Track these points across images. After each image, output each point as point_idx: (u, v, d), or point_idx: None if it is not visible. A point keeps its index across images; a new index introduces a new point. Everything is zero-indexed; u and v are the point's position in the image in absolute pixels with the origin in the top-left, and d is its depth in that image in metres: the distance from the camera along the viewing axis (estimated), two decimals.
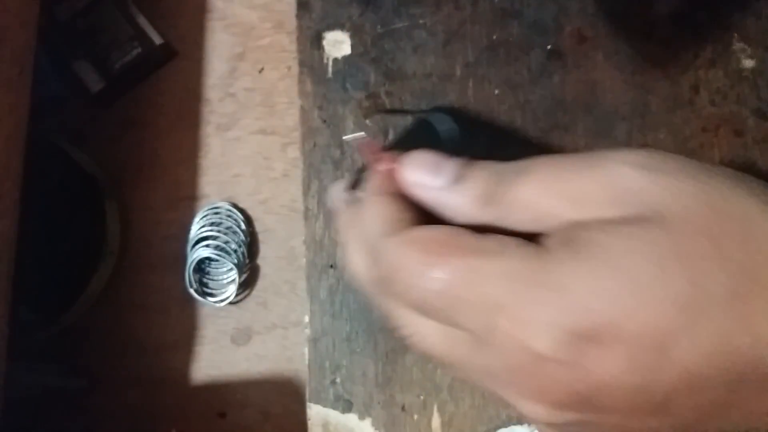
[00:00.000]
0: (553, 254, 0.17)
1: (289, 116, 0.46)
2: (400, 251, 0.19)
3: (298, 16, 0.40)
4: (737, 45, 0.36)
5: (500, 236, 0.19)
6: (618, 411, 0.17)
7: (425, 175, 0.21)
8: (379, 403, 0.37)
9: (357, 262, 0.22)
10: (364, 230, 0.21)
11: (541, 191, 0.19)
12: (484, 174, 0.20)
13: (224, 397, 0.45)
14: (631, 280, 0.16)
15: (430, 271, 0.18)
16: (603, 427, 0.18)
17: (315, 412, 0.37)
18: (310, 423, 0.38)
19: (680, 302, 0.16)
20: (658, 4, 0.37)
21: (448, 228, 0.19)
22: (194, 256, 0.44)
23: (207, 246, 0.44)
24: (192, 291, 0.44)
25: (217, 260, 0.44)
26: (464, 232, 0.19)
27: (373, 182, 0.22)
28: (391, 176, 0.22)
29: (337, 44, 0.40)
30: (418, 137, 0.32)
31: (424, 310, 0.19)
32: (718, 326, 0.16)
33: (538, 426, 0.20)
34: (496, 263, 0.18)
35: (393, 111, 0.34)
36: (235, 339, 0.45)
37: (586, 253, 0.17)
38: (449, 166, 0.21)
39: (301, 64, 0.40)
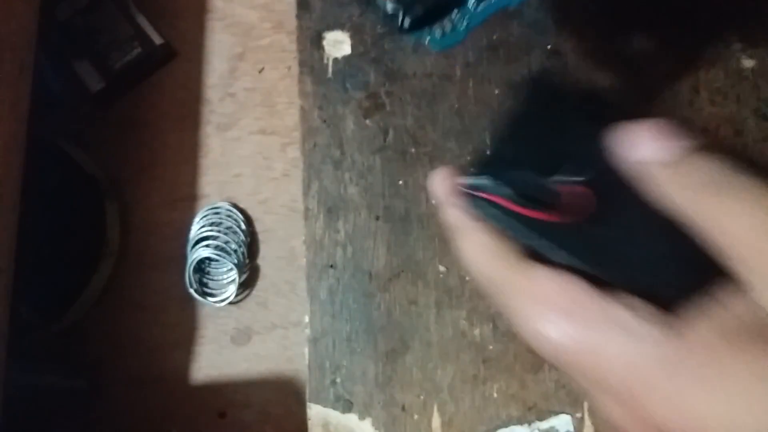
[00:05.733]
0: (706, 348, 0.15)
1: (289, 116, 0.46)
2: (519, 289, 0.18)
3: (298, 16, 0.40)
4: (737, 45, 0.36)
5: (635, 302, 0.17)
6: None
7: (652, 143, 0.18)
8: (379, 403, 0.37)
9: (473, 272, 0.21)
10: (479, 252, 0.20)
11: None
12: (716, 161, 0.17)
13: (224, 397, 0.45)
14: None
15: (551, 328, 0.17)
16: None
17: (315, 412, 0.37)
18: (310, 423, 0.38)
19: None
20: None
21: (574, 280, 0.18)
22: (194, 256, 0.44)
23: (207, 246, 0.44)
24: (192, 291, 0.44)
25: (217, 260, 0.44)
26: (590, 290, 0.17)
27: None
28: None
29: (337, 44, 0.40)
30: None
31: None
32: None
33: None
34: (622, 347, 0.16)
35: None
36: (235, 339, 0.45)
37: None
38: (685, 137, 0.18)
39: (301, 64, 0.40)
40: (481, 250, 0.20)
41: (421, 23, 0.26)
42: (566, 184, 0.21)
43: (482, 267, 0.20)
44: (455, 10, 0.30)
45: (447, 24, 0.29)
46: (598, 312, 0.17)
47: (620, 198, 0.20)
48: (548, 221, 0.20)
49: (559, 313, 0.17)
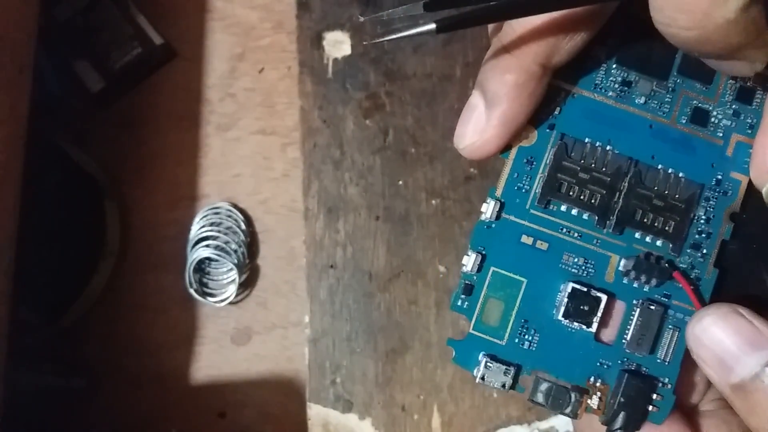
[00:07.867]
0: None
1: (289, 116, 0.46)
2: None
3: (298, 16, 0.40)
4: None
5: None
6: None
7: (737, 346, 0.16)
8: (379, 403, 0.37)
9: None
10: None
11: None
12: None
13: (224, 397, 0.45)
14: None
15: None
16: None
17: (315, 412, 0.37)
18: (310, 423, 0.38)
19: None
20: None
21: None
22: (194, 256, 0.44)
23: (207, 246, 0.44)
24: (192, 291, 0.44)
25: (217, 260, 0.44)
26: None
27: None
28: None
29: (337, 44, 0.40)
30: None
31: None
32: None
33: None
34: None
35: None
36: (235, 339, 0.45)
37: None
38: None
39: (301, 64, 0.40)
40: None
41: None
42: None
43: None
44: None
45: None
46: None
47: None
48: None
49: None
